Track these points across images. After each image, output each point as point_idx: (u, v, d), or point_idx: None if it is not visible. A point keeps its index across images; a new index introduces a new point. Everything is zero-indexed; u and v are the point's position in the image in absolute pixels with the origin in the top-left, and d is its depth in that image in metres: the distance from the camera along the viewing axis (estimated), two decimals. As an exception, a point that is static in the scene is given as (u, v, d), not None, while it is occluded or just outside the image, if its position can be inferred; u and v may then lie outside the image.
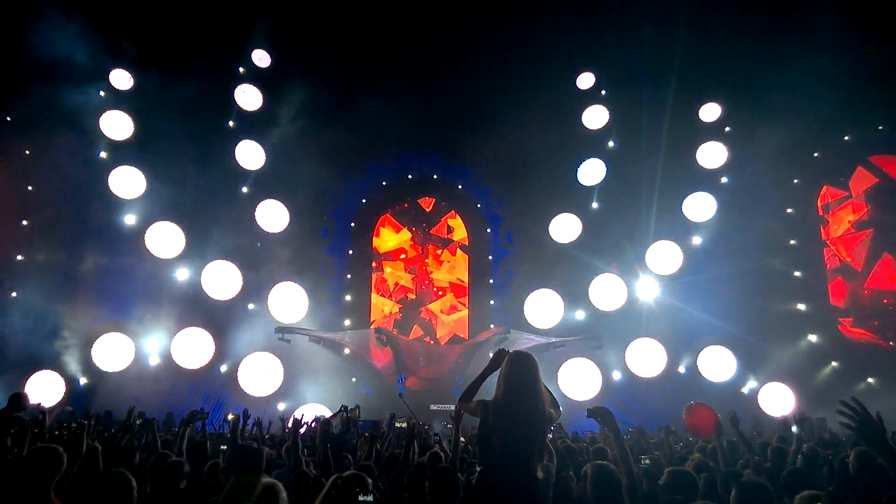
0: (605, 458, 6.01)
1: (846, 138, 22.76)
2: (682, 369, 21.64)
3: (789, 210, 23.01)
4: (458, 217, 25.39)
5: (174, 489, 5.25)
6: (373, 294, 24.74)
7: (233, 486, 2.63)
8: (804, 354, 21.69)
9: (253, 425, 8.61)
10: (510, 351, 4.60)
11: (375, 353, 20.40)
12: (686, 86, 22.56)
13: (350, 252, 24.64)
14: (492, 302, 24.60)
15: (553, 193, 24.46)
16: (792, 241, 22.64)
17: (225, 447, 7.72)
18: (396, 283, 25.19)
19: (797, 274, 22.39)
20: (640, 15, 21.83)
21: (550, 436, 7.36)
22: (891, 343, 21.40)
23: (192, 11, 21.16)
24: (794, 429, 8.05)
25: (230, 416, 9.32)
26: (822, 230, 22.94)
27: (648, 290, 22.78)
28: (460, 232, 25.42)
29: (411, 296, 25.11)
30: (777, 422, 18.79)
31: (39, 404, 9.85)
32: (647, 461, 6.29)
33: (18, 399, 8.82)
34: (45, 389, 18.66)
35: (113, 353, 20.02)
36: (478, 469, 4.31)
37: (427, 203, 25.67)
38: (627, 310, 22.52)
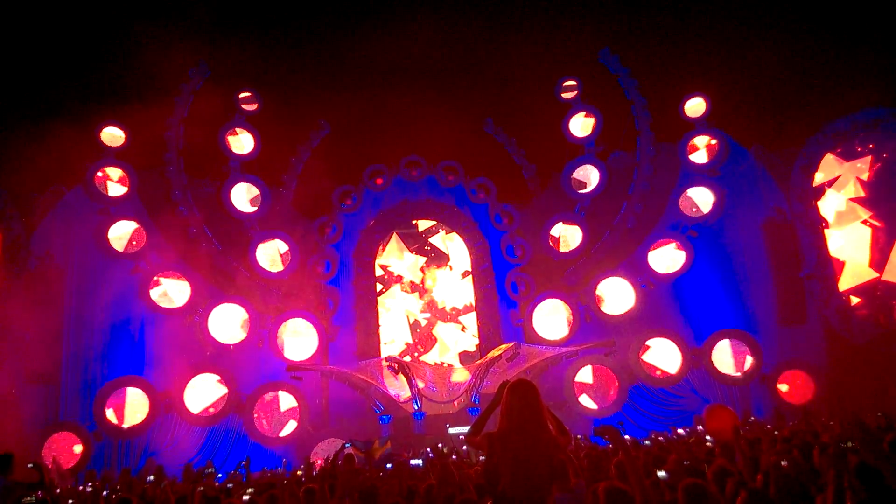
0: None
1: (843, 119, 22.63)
2: (696, 366, 21.45)
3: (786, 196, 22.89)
4: (457, 237, 25.40)
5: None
6: (380, 323, 24.66)
7: None
8: (816, 338, 21.58)
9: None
10: (511, 379, 4.57)
11: (388, 382, 20.32)
12: (669, 81, 22.73)
13: (354, 283, 24.62)
14: (500, 318, 24.51)
15: (549, 203, 24.54)
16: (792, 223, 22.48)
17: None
18: (404, 310, 25.15)
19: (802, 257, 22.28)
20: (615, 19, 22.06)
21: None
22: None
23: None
24: None
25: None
26: (819, 211, 22.75)
27: (655, 290, 22.69)
28: (461, 251, 25.41)
29: (419, 320, 25.05)
30: (799, 409, 18.71)
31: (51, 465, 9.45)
32: (663, 473, 6.22)
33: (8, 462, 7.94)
34: (62, 450, 18.69)
35: (127, 407, 19.99)
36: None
37: (425, 226, 25.71)
38: (636, 312, 22.39)
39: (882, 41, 19.65)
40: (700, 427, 15.44)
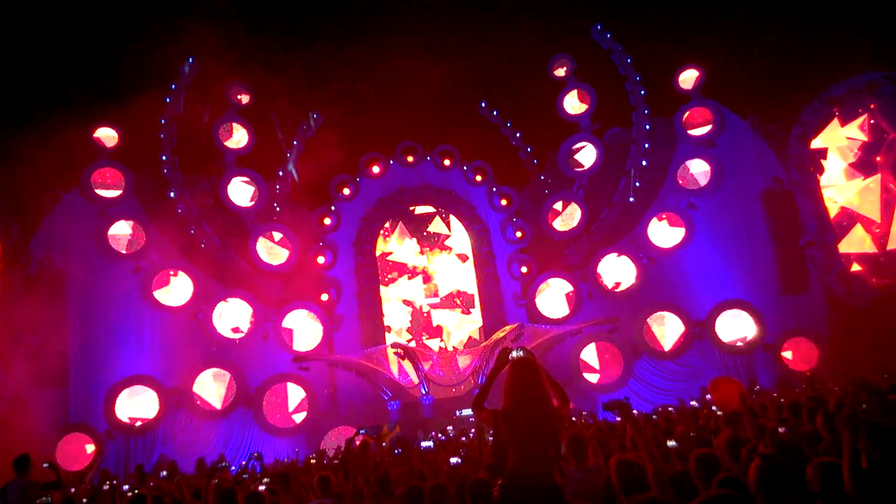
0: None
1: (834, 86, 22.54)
2: (700, 337, 21.53)
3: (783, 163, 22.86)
4: (456, 221, 25.38)
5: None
6: (384, 310, 24.71)
7: None
8: (818, 305, 21.66)
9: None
10: (516, 353, 4.60)
11: (394, 368, 20.43)
12: (662, 54, 22.61)
13: (355, 272, 24.63)
14: (502, 299, 24.57)
15: (547, 183, 24.53)
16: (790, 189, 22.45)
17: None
18: (407, 297, 25.20)
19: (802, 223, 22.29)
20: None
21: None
22: None
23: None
24: None
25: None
26: (818, 179, 22.74)
27: (657, 265, 22.72)
28: (461, 235, 25.40)
29: (422, 306, 25.11)
30: (803, 377, 18.78)
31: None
32: (673, 442, 6.30)
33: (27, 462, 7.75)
34: (75, 451, 18.83)
35: (137, 405, 20.08)
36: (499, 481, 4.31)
37: (423, 211, 25.68)
38: (638, 287, 22.44)
39: (872, 5, 19.56)
40: (708, 397, 15.53)
